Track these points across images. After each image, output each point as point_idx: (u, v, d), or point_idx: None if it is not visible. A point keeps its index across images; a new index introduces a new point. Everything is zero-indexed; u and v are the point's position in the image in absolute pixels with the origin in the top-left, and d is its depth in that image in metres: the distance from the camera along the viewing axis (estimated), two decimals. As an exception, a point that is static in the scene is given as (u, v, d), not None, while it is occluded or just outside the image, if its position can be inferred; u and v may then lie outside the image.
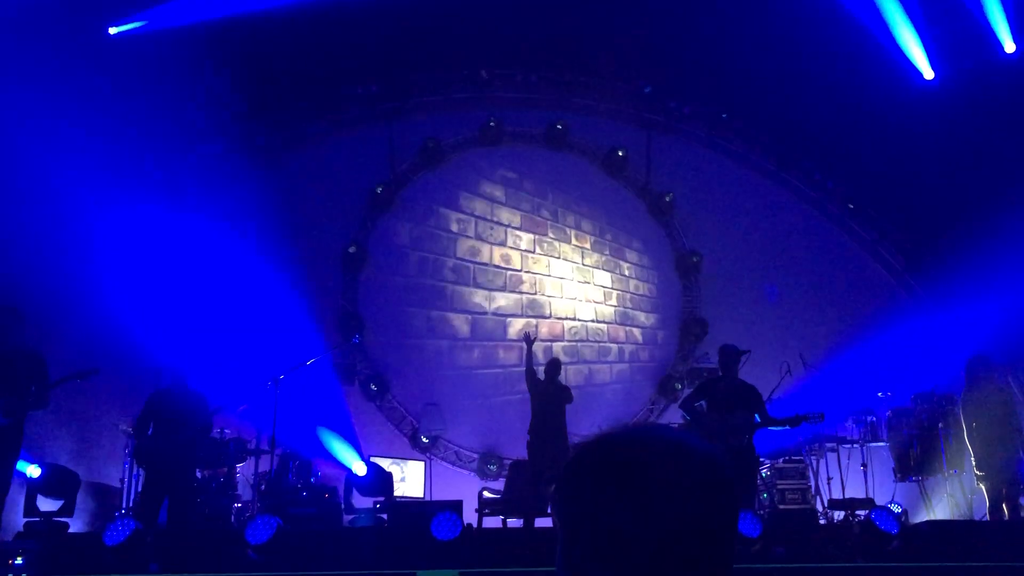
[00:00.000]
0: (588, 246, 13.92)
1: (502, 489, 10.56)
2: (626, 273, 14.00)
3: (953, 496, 10.77)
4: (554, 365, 10.42)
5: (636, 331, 13.86)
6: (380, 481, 10.39)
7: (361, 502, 10.20)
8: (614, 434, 1.20)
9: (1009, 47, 11.45)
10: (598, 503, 1.14)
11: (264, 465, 9.47)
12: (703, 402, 8.80)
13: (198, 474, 9.69)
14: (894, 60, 12.02)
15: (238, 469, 10.02)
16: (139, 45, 10.63)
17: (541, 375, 10.32)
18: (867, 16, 11.66)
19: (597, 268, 13.89)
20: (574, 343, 13.37)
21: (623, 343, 13.70)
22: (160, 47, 10.59)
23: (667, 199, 13.94)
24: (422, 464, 11.68)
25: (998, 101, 11.54)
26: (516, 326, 13.09)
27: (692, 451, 1.17)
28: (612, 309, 13.79)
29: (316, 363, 10.01)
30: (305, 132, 13.25)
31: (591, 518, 1.14)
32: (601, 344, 13.55)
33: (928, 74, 12.09)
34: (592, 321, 13.62)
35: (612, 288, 13.89)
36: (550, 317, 13.37)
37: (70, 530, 8.51)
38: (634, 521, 1.10)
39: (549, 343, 12.98)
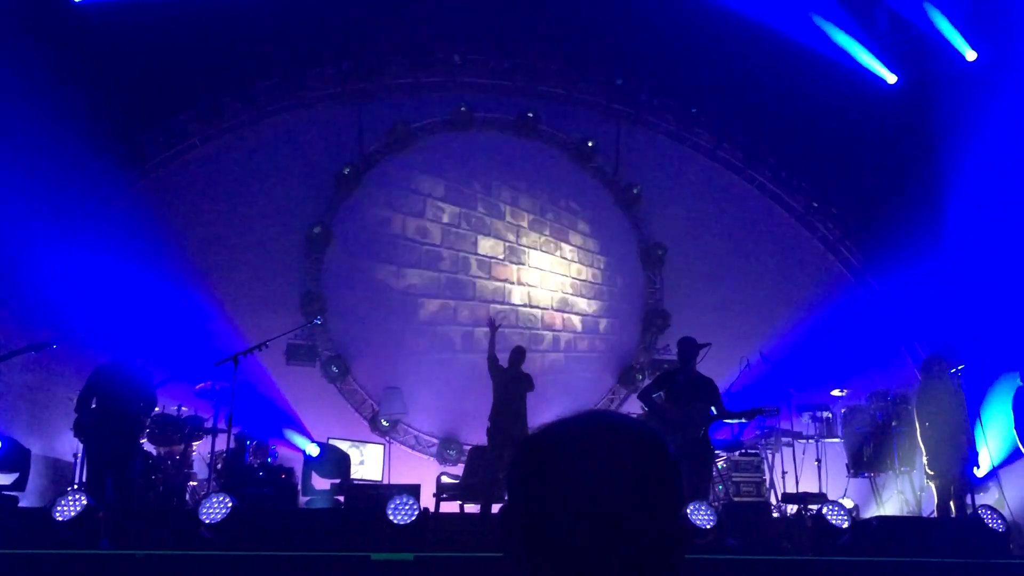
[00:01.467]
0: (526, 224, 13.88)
1: (461, 474, 10.57)
2: (568, 256, 13.92)
3: (903, 493, 10.98)
4: (518, 353, 10.41)
5: (575, 318, 13.73)
6: (337, 463, 10.36)
7: (321, 485, 10.17)
8: (561, 420, 1.21)
9: (970, 55, 11.72)
10: (546, 486, 1.14)
11: (221, 444, 9.38)
12: (661, 393, 8.86)
13: (153, 451, 9.61)
14: (859, 64, 12.26)
15: (194, 447, 9.94)
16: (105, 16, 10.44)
17: (504, 362, 10.32)
18: (830, 25, 11.94)
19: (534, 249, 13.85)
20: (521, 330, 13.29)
21: (559, 331, 13.54)
22: (135, 17, 10.43)
23: (635, 191, 13.98)
24: (381, 447, 11.65)
25: (960, 105, 11.76)
26: (470, 310, 13.10)
27: (634, 433, 1.18)
28: (551, 295, 13.71)
29: (275, 343, 9.91)
30: (273, 109, 13.10)
31: (538, 501, 1.14)
32: (533, 332, 13.35)
33: (890, 79, 12.35)
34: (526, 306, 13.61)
35: (551, 271, 13.78)
36: (533, 305, 13.39)
37: (20, 504, 8.38)
38: (579, 502, 1.11)
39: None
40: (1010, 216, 11.12)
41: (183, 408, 9.96)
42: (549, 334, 13.52)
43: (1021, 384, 8.82)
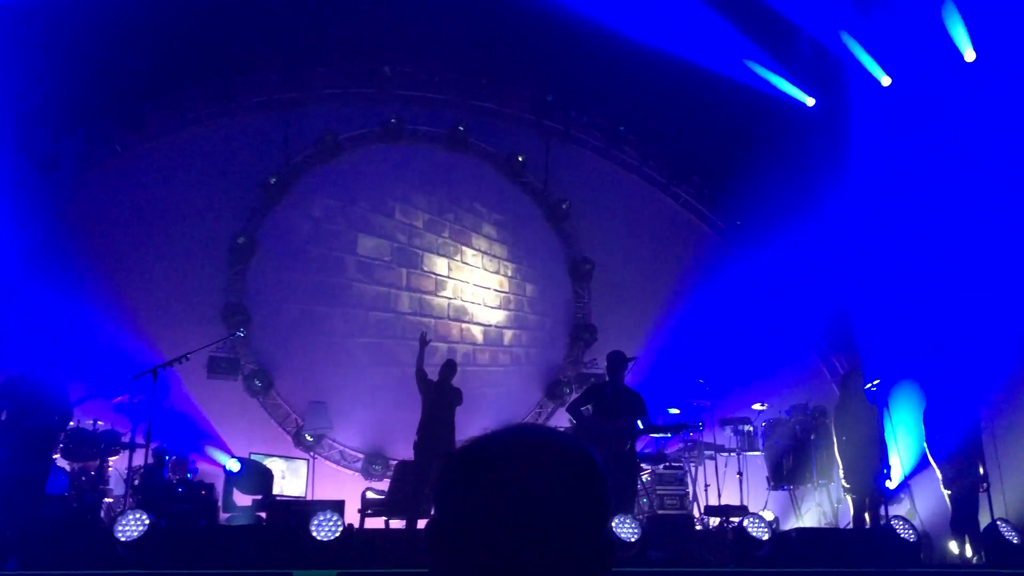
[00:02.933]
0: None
1: (386, 490, 10.47)
2: (469, 261, 13.86)
3: (821, 505, 11.27)
4: (449, 367, 10.38)
5: (475, 329, 13.63)
6: (260, 479, 10.15)
7: (243, 501, 9.95)
8: (491, 433, 1.21)
9: (885, 81, 12.19)
10: (473, 499, 1.14)
11: (139, 460, 9.12)
12: (589, 406, 8.93)
13: (67, 467, 9.28)
14: (779, 88, 12.67)
15: (111, 463, 9.64)
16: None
17: (434, 376, 10.26)
18: (748, 52, 12.32)
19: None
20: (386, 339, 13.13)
21: (455, 343, 13.36)
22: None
23: (564, 206, 14.11)
24: (305, 463, 11.46)
25: (876, 127, 12.20)
26: (398, 323, 13.03)
27: (563, 447, 1.19)
28: (447, 302, 13.59)
29: (196, 356, 9.68)
30: (198, 117, 12.82)
31: (465, 515, 1.14)
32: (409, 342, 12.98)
33: (809, 101, 12.76)
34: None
35: (448, 277, 13.70)
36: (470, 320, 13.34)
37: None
38: (506, 516, 1.11)
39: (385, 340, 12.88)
40: (920, 225, 11.56)
41: (99, 423, 9.65)
42: (498, 353, 13.53)
43: (928, 401, 9.13)
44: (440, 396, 10.05)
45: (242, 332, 11.53)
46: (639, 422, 8.79)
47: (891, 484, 10.00)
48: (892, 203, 11.79)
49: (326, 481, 11.48)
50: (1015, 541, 7.66)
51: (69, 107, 11.21)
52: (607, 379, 9.19)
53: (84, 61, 10.41)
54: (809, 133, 12.72)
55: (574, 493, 1.14)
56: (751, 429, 11.61)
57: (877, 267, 12.00)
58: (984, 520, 8.31)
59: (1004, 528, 7.77)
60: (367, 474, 12.27)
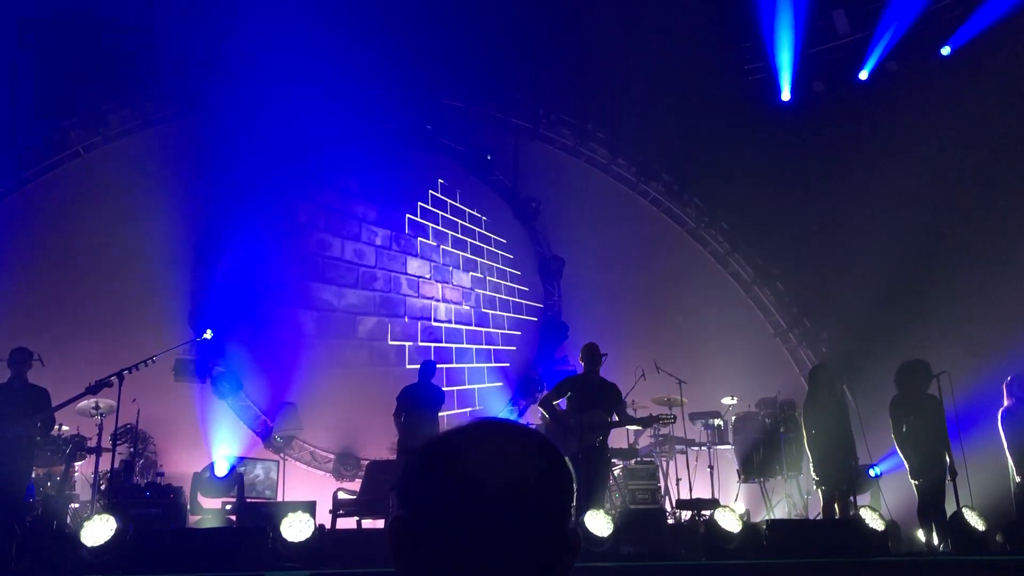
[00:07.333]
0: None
1: (358, 490, 10.40)
2: (438, 260, 13.82)
3: (791, 497, 11.35)
4: (427, 368, 10.31)
5: (444, 328, 13.62)
6: (230, 481, 10.05)
7: (210, 504, 9.85)
8: (455, 428, 1.21)
9: (862, 74, 12.28)
10: (434, 495, 1.13)
11: (106, 464, 8.99)
12: (563, 400, 8.91)
13: (33, 472, 9.12)
14: (754, 80, 12.68)
15: (76, 468, 9.50)
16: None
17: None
18: (737, 36, 12.27)
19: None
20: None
21: (424, 343, 13.40)
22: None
23: (533, 205, 14.11)
24: (275, 464, 11.37)
25: (846, 123, 12.31)
26: (368, 325, 12.99)
27: (525, 440, 1.18)
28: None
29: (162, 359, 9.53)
30: (164, 117, 12.65)
31: (428, 510, 1.13)
32: (379, 343, 13.42)
33: (785, 95, 12.81)
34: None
35: (418, 277, 13.76)
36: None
37: None
38: (469, 510, 1.10)
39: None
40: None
41: (64, 427, 9.50)
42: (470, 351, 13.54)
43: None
44: (420, 397, 10.00)
45: (210, 333, 11.39)
46: (615, 414, 8.78)
47: (875, 470, 10.21)
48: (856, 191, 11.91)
49: (296, 482, 11.41)
50: (980, 529, 7.78)
51: (25, 108, 11.01)
52: (585, 371, 9.12)
53: (45, 59, 10.25)
54: (780, 127, 12.79)
55: (538, 486, 1.14)
56: (721, 423, 11.67)
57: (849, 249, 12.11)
58: (950, 509, 8.42)
59: (969, 516, 7.88)
60: (338, 475, 12.20)
